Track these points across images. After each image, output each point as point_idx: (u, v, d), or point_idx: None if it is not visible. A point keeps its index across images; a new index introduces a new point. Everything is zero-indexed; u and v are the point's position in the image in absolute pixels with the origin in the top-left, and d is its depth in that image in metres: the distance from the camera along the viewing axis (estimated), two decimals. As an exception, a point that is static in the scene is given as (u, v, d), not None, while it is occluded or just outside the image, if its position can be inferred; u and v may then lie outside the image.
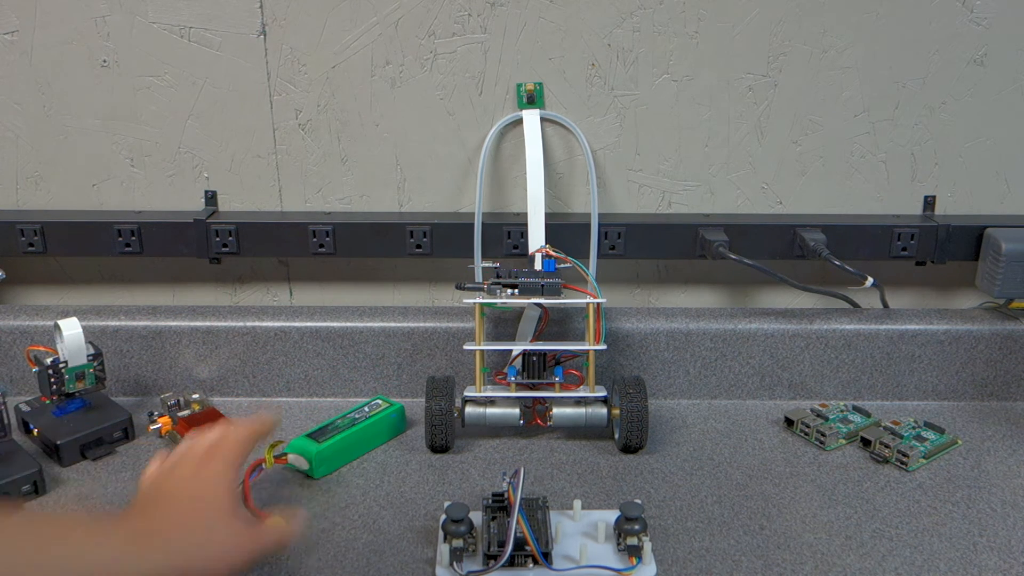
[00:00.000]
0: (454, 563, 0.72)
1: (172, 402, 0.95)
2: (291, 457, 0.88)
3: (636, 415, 0.89)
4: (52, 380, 0.90)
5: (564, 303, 0.92)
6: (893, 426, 0.93)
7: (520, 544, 0.72)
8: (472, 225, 1.00)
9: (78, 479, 0.87)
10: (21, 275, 1.07)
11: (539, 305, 0.96)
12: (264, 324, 1.00)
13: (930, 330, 1.00)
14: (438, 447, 0.91)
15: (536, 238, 0.98)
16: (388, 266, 1.08)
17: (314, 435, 0.89)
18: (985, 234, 1.01)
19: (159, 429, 0.92)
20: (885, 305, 1.04)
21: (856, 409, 0.97)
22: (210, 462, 0.70)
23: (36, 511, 0.75)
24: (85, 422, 0.91)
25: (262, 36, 0.98)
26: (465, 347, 0.93)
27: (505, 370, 0.94)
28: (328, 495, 0.85)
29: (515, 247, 1.01)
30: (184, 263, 1.06)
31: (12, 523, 0.60)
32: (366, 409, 0.94)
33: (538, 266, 0.93)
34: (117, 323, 1.00)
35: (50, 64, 0.99)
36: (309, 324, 1.00)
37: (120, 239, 1.01)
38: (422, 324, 1.00)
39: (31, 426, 0.92)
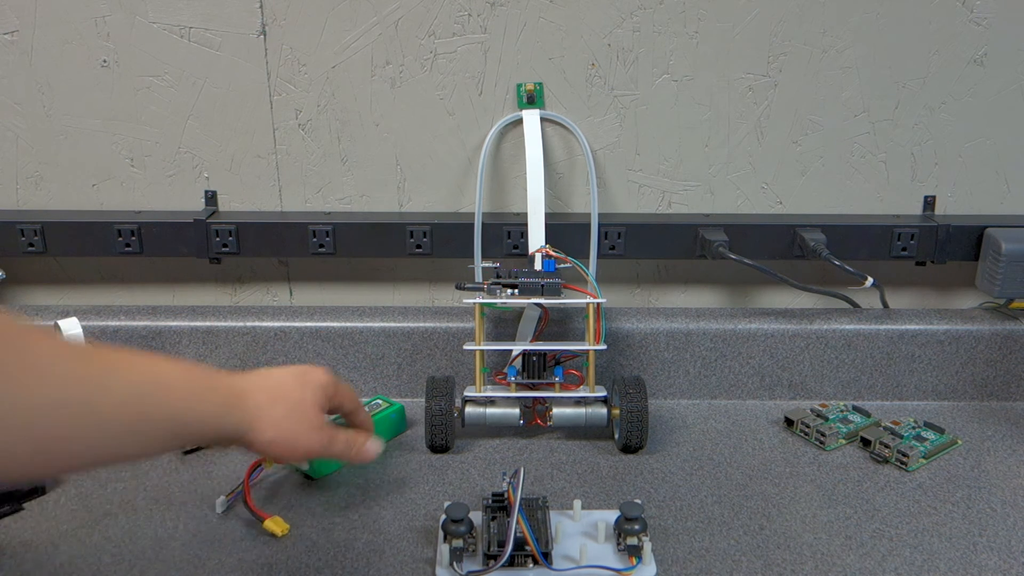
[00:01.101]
0: (454, 563, 0.72)
1: (172, 402, 0.94)
2: (291, 457, 0.88)
3: (636, 415, 0.89)
4: (52, 380, 0.90)
5: (564, 303, 0.92)
6: (893, 426, 0.93)
7: (520, 544, 0.72)
8: (472, 225, 1.00)
9: (78, 479, 0.86)
10: (21, 275, 1.07)
11: (539, 305, 0.96)
12: (264, 324, 1.00)
13: (930, 330, 1.00)
14: (438, 447, 0.91)
15: (536, 238, 0.98)
16: (388, 266, 1.08)
17: (314, 435, 0.89)
18: (985, 234, 1.01)
19: (159, 429, 0.92)
20: (885, 305, 1.04)
21: (856, 409, 0.97)
22: (308, 372, 0.77)
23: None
24: (85, 422, 0.91)
25: (262, 36, 0.98)
26: (465, 347, 0.93)
27: (505, 370, 0.94)
28: (328, 495, 0.85)
29: (515, 247, 1.01)
30: (184, 263, 1.06)
31: (113, 354, 0.63)
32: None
33: (538, 266, 0.93)
34: (117, 323, 1.00)
35: (50, 64, 0.99)
36: (309, 324, 1.00)
37: (120, 239, 1.01)
38: (422, 324, 1.00)
39: (31, 426, 0.91)
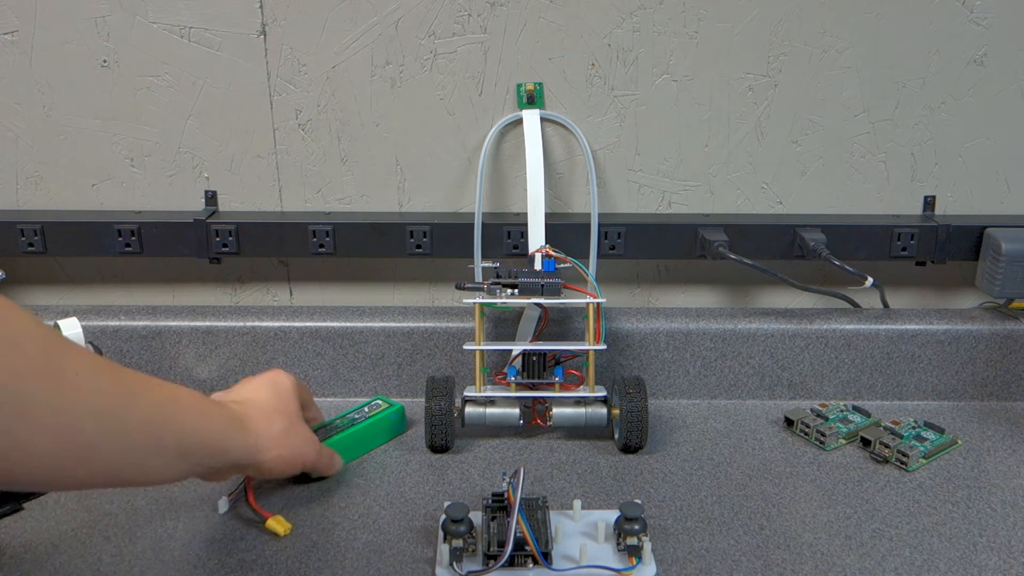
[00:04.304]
0: (454, 563, 0.72)
1: (172, 402, 0.95)
2: (291, 457, 0.88)
3: (636, 415, 0.89)
4: (52, 380, 0.90)
5: (564, 303, 0.92)
6: (893, 426, 0.93)
7: (520, 544, 0.72)
8: (472, 225, 1.00)
9: (78, 479, 0.87)
10: (21, 275, 1.07)
11: (539, 305, 0.96)
12: (264, 324, 1.00)
13: (930, 330, 1.00)
14: (438, 447, 0.91)
15: (536, 238, 0.98)
16: (388, 266, 1.08)
17: (314, 435, 0.89)
18: (985, 234, 1.01)
19: (159, 429, 0.92)
20: (885, 305, 1.04)
21: (856, 409, 0.97)
22: (278, 380, 0.82)
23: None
24: (85, 422, 0.91)
25: (262, 36, 0.98)
26: (465, 347, 0.93)
27: (505, 370, 0.94)
28: (328, 495, 0.85)
29: (515, 247, 1.01)
30: (184, 263, 1.06)
31: (131, 378, 0.63)
32: (366, 409, 0.94)
33: (538, 266, 0.93)
34: (117, 323, 1.00)
35: (50, 64, 0.99)
36: (309, 324, 1.00)
37: (120, 239, 1.01)
38: (422, 324, 1.00)
39: (31, 426, 0.91)
